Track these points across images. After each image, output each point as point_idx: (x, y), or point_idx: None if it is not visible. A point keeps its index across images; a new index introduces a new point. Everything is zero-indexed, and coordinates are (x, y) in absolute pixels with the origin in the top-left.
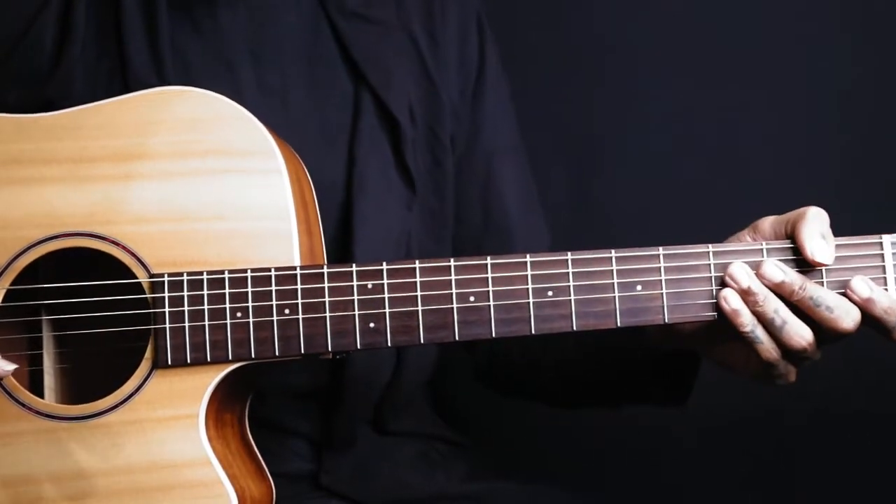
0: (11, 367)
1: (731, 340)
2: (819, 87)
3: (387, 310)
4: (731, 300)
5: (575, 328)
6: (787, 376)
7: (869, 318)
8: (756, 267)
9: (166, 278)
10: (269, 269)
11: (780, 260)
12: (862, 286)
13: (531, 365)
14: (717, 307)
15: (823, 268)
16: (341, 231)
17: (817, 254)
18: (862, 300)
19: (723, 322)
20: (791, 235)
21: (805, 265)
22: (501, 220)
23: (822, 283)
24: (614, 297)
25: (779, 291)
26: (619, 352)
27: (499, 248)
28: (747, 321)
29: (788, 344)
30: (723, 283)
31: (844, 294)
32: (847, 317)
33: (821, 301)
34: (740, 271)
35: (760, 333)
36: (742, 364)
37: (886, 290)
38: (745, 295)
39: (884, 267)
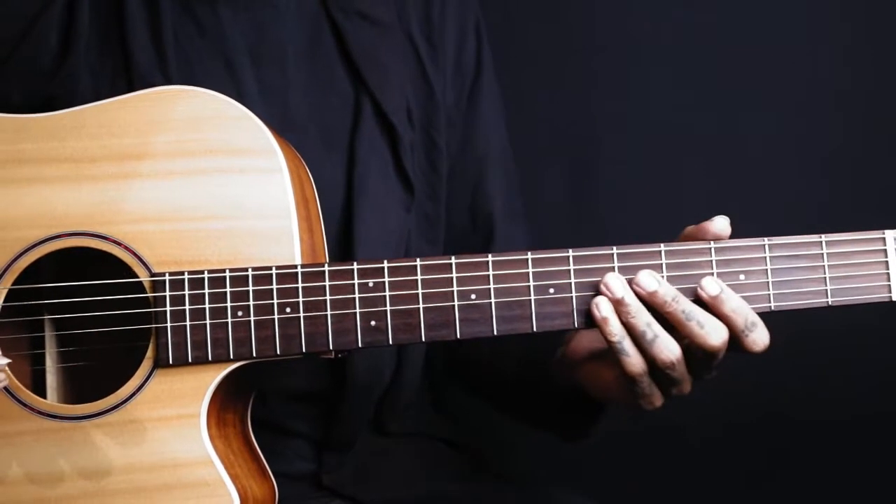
0: (3, 360)
1: (604, 357)
2: (820, 85)
3: (388, 308)
4: (602, 307)
5: (576, 325)
6: (651, 397)
7: (728, 330)
8: (633, 276)
9: (167, 277)
10: (270, 268)
11: (785, 255)
12: (712, 284)
13: (482, 374)
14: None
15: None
16: (342, 232)
17: (715, 223)
18: (710, 297)
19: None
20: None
21: (815, 249)
22: (487, 225)
23: (825, 281)
24: None
25: (652, 301)
26: (530, 376)
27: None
28: (616, 330)
29: (658, 357)
30: (596, 292)
31: (696, 297)
32: (715, 333)
33: (692, 315)
34: (615, 281)
35: (628, 345)
36: (611, 382)
37: (889, 285)
38: (619, 305)
39: (887, 262)
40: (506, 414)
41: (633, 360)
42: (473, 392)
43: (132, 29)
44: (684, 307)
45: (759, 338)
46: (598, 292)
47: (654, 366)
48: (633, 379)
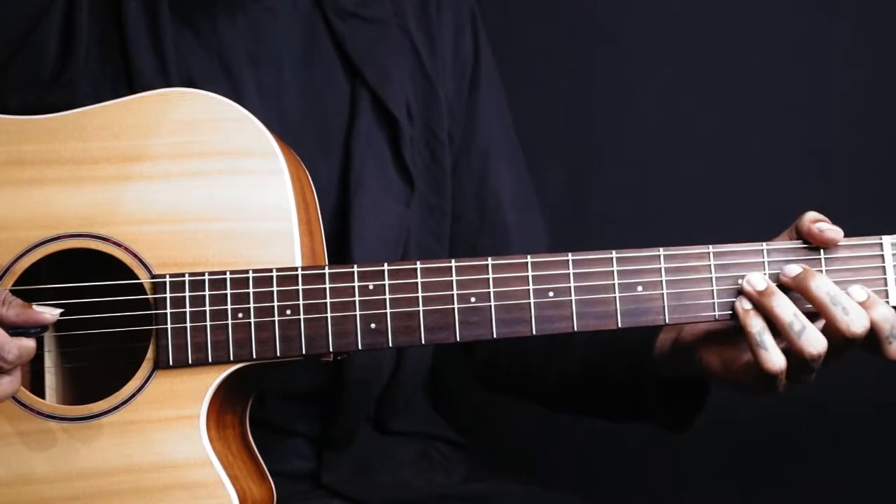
0: (57, 310)
1: (729, 348)
2: (819, 87)
3: (388, 310)
4: (744, 301)
5: (576, 328)
6: (778, 388)
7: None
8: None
9: (168, 279)
10: (270, 270)
11: (782, 260)
12: (859, 291)
13: (532, 373)
14: (719, 308)
15: (828, 253)
16: (339, 229)
17: (824, 228)
18: (858, 303)
19: (723, 325)
20: (797, 237)
21: (814, 255)
22: (497, 216)
23: None
24: (615, 297)
25: (798, 285)
26: (623, 374)
27: (494, 245)
28: (757, 324)
29: (805, 349)
30: (738, 292)
31: None
32: (859, 321)
33: (838, 300)
34: (756, 276)
35: (767, 339)
36: (736, 368)
37: (886, 290)
38: (762, 297)
39: (884, 268)
40: (573, 413)
41: (772, 356)
42: (521, 398)
43: (132, 35)
44: (829, 289)
45: None
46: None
47: (798, 358)
48: (769, 377)
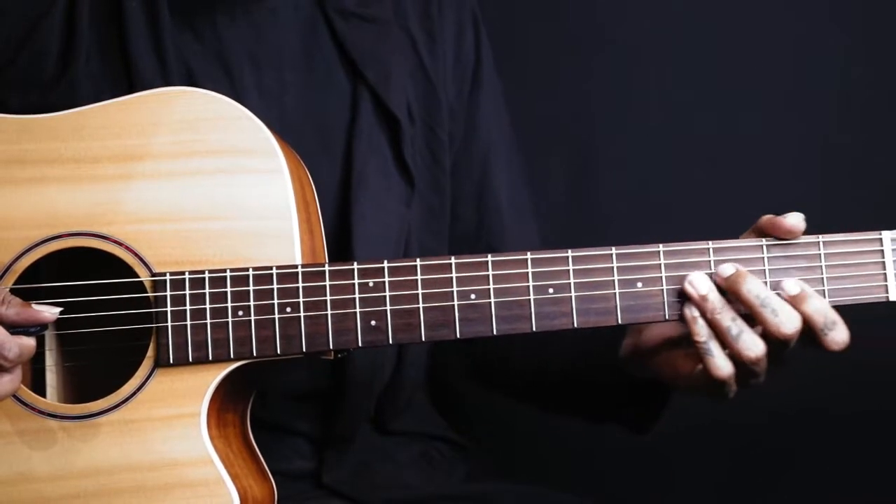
0: (57, 309)
1: (682, 354)
2: (819, 86)
3: (388, 307)
4: (692, 308)
5: (576, 325)
6: (730, 393)
7: (804, 322)
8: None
9: (168, 277)
10: (270, 268)
11: (782, 256)
12: (793, 285)
13: (525, 374)
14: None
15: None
16: (340, 229)
17: (783, 218)
18: (789, 297)
19: (677, 331)
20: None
21: (812, 251)
22: (495, 218)
23: (823, 282)
24: (615, 294)
25: (729, 286)
26: (592, 373)
27: (490, 247)
28: (703, 332)
29: (743, 353)
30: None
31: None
32: (789, 322)
33: (767, 302)
34: (700, 278)
35: (714, 346)
36: (688, 372)
37: (886, 286)
38: (703, 302)
39: (883, 263)
40: (556, 412)
41: (719, 363)
42: (510, 395)
43: (132, 36)
44: (759, 292)
45: (838, 337)
46: (680, 292)
47: (739, 362)
48: (718, 382)
